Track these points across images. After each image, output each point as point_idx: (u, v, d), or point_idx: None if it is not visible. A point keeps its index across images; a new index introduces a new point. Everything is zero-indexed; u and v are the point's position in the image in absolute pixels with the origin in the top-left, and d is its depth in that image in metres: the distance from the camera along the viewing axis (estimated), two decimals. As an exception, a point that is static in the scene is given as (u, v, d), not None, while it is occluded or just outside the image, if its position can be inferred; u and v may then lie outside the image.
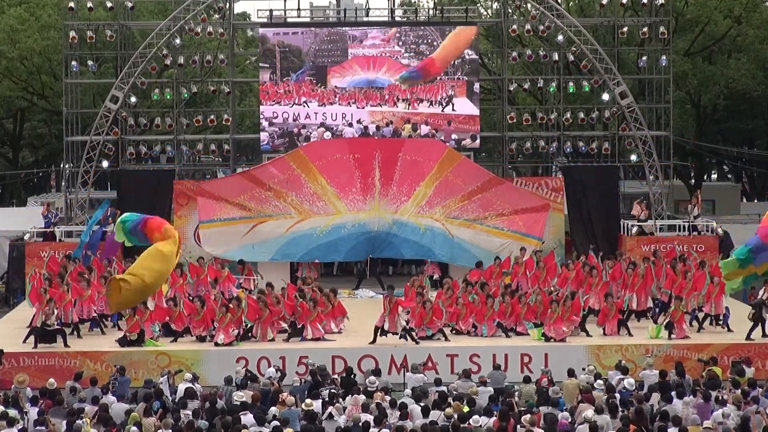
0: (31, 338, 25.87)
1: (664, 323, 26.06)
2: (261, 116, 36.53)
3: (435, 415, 19.21)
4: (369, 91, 36.01)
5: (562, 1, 41.75)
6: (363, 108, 36.05)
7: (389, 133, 35.62)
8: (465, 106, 36.09)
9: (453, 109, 36.02)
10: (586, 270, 28.42)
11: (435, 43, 35.95)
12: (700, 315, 27.34)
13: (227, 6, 36.90)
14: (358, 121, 35.81)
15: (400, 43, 36.03)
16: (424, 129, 35.75)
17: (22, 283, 32.62)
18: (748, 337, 25.92)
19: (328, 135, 35.65)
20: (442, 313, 26.44)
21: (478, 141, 36.69)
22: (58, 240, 33.41)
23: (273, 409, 19.83)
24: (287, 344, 25.91)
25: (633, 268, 28.01)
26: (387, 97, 35.98)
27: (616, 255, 31.11)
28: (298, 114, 35.91)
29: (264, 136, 36.04)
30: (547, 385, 21.19)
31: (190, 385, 21.31)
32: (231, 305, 26.05)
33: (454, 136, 35.64)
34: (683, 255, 30.55)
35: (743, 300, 32.22)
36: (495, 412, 19.26)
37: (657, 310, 27.78)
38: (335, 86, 35.84)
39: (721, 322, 27.02)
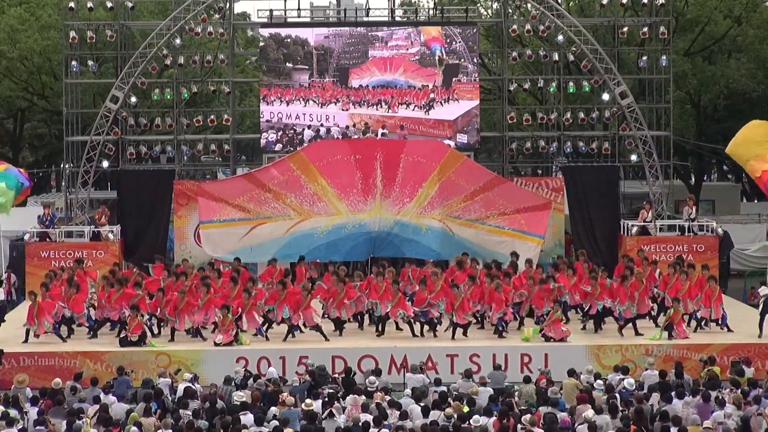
0: (31, 338, 26.09)
1: (664, 325, 26.08)
2: (261, 116, 36.68)
3: (435, 415, 19.22)
4: (354, 92, 36.14)
5: (562, 1, 41.72)
6: (347, 110, 36.17)
7: (340, 136, 35.86)
8: (449, 111, 36.14)
9: (438, 114, 36.23)
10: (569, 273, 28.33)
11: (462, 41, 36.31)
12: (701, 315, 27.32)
13: (227, 6, 36.92)
14: (322, 124, 36.05)
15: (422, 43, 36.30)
16: (380, 133, 35.93)
17: (22, 283, 32.61)
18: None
19: (273, 137, 35.96)
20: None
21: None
22: (57, 240, 33.43)
23: (273, 409, 19.85)
24: (287, 344, 25.93)
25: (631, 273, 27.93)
26: (370, 98, 36.17)
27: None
28: (290, 114, 36.10)
29: (264, 135, 36.26)
30: (546, 386, 21.19)
31: (189, 385, 21.32)
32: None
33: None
34: (681, 257, 30.52)
35: (743, 300, 32.30)
36: (495, 412, 19.27)
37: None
38: (353, 86, 36.16)
39: (720, 324, 26.97)
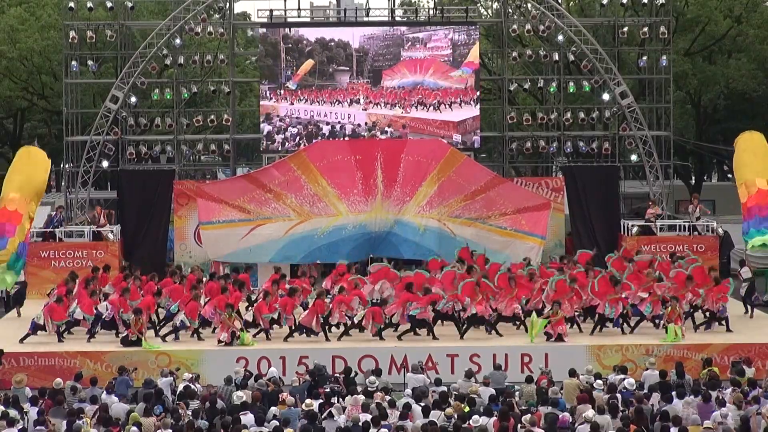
0: (30, 337, 26.17)
1: (663, 325, 26.04)
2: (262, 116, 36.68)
3: (435, 415, 19.21)
4: (372, 93, 36.12)
5: (562, 1, 41.74)
6: (366, 110, 36.16)
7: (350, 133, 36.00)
8: (452, 113, 36.22)
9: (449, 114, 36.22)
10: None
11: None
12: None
13: (227, 6, 36.95)
14: (338, 122, 36.14)
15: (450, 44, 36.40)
16: (382, 132, 35.96)
17: (22, 283, 32.55)
18: None
19: (294, 131, 35.96)
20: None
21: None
22: (58, 240, 33.42)
23: (273, 409, 19.83)
24: (287, 344, 25.91)
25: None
26: (387, 99, 36.14)
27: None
28: (307, 112, 36.18)
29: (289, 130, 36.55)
30: (546, 386, 21.17)
31: (189, 385, 21.31)
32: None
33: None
34: (681, 256, 30.44)
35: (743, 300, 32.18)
36: (495, 412, 19.25)
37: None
38: (385, 87, 36.22)
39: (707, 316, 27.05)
